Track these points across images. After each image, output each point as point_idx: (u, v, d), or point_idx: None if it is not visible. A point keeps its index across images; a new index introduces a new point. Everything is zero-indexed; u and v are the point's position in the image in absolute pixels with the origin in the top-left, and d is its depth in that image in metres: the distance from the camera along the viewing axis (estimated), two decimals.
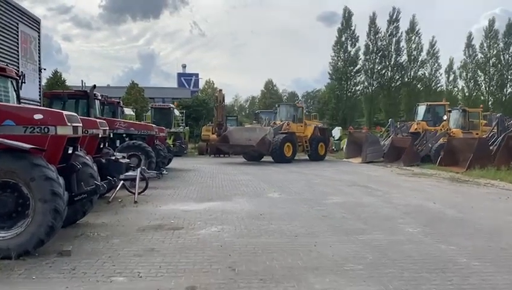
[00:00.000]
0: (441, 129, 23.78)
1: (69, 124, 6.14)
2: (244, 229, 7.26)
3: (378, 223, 7.83)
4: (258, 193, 11.64)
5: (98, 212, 8.50)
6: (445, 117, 24.20)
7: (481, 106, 25.12)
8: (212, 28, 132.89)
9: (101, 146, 9.85)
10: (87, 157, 7.57)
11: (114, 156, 10.33)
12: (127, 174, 10.74)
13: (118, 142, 15.08)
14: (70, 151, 6.54)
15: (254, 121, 34.40)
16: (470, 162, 17.84)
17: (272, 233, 6.97)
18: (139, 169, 11.30)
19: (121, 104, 19.58)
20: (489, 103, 47.87)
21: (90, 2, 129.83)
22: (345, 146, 34.22)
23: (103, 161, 9.61)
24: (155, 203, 9.83)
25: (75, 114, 6.82)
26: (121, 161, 9.66)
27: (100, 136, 9.43)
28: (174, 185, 12.90)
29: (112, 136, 12.38)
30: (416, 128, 25.07)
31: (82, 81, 37.49)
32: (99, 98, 15.28)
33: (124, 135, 15.33)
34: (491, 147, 18.82)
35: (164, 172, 12.92)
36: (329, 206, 9.63)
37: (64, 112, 6.30)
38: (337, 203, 9.95)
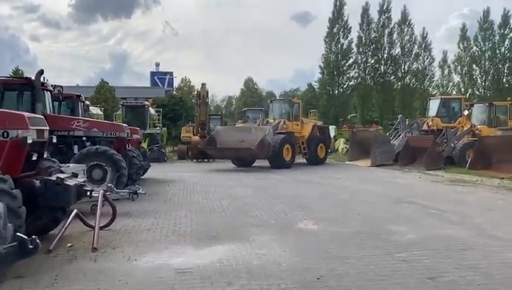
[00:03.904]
0: (462, 126, 20.62)
1: None
2: None
3: None
4: (281, 222, 7.89)
5: (24, 278, 4.68)
6: (465, 112, 21.10)
7: (509, 98, 22.05)
8: (185, 27, 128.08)
9: (34, 158, 6.00)
10: None
11: (59, 172, 6.45)
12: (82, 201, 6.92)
13: (75, 148, 11.20)
14: None
15: (240, 120, 30.87)
16: None
17: None
18: (100, 190, 7.36)
19: (83, 99, 15.58)
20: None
21: (59, 1, 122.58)
22: (340, 147, 31.06)
23: (37, 183, 5.76)
24: (127, 249, 5.98)
25: None
26: (68, 182, 5.80)
27: (31, 141, 5.59)
28: (155, 210, 9.00)
29: (55, 140, 8.47)
30: (430, 126, 21.82)
31: (44, 78, 32.89)
32: (50, 88, 11.30)
33: (84, 138, 11.37)
34: None
35: (140, 191, 9.07)
36: (410, 248, 5.98)
37: None
38: (418, 244, 6.28)
